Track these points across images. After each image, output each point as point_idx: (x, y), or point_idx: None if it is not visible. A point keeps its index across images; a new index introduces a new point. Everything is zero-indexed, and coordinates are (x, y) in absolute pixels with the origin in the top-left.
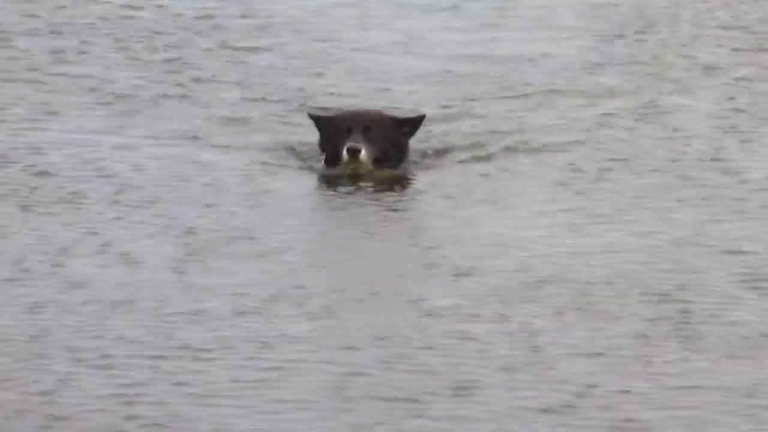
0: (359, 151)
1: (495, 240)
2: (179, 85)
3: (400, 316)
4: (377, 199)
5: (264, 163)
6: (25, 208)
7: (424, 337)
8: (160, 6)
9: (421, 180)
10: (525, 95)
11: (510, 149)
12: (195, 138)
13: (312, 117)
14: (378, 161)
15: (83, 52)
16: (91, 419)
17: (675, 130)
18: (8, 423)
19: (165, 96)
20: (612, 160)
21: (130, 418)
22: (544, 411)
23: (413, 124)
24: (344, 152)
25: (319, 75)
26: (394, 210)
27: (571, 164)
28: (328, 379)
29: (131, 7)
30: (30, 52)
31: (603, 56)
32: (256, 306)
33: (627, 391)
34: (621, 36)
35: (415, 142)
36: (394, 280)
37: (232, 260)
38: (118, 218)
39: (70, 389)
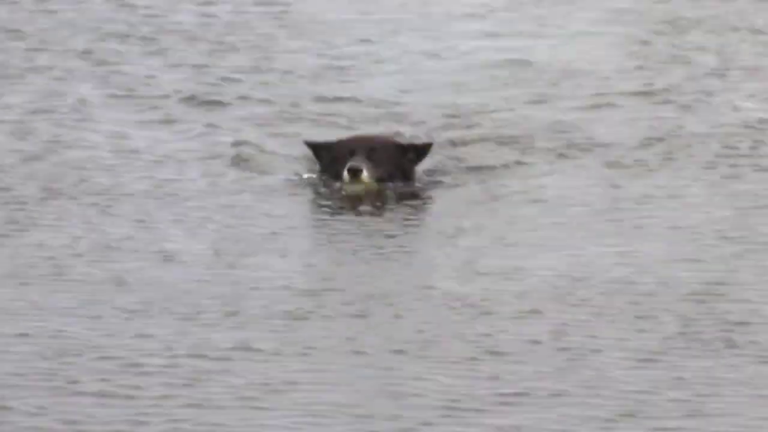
0: (360, 170)
1: (537, 239)
2: (213, 85)
3: (442, 317)
4: (413, 198)
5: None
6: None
7: (468, 341)
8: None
9: (457, 181)
10: (563, 98)
11: (550, 150)
12: (230, 137)
13: (309, 144)
14: (382, 184)
15: (121, 52)
16: (116, 418)
17: (717, 127)
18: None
19: (202, 97)
20: (654, 157)
21: (162, 416)
22: (604, 420)
23: (419, 151)
24: (345, 172)
25: (351, 80)
26: (430, 210)
27: (613, 162)
28: (370, 382)
29: (169, 10)
30: (69, 51)
31: (638, 59)
32: (294, 306)
33: (678, 399)
34: (653, 40)
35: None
36: (435, 280)
37: (267, 259)
38: (153, 213)
39: (96, 388)
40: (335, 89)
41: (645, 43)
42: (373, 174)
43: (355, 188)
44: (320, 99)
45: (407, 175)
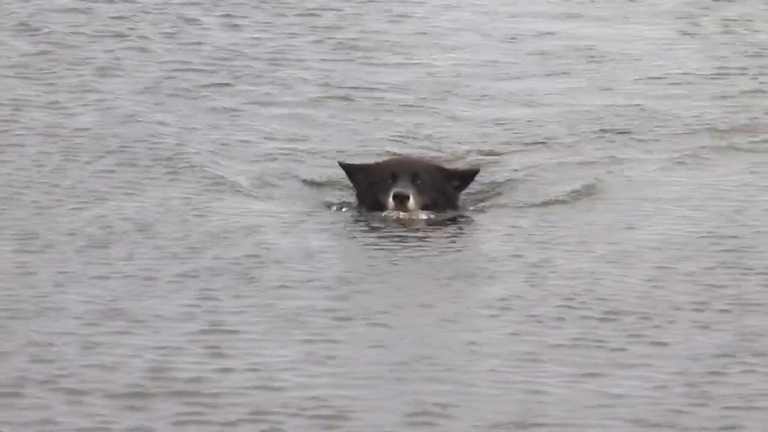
0: (407, 197)
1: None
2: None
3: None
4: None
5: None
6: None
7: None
8: None
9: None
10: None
11: (619, 132)
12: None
13: (344, 166)
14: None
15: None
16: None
17: None
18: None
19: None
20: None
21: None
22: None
23: (464, 177)
24: (390, 199)
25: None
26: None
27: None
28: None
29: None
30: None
31: (690, 37)
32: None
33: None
34: (699, 14)
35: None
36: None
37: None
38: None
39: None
40: (386, 71)
41: (692, 17)
42: (419, 201)
43: (401, 216)
44: (372, 81)
45: (451, 203)
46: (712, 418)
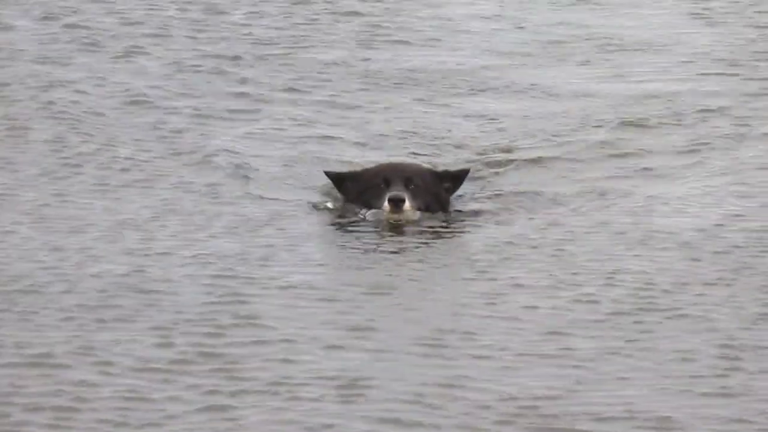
0: (403, 200)
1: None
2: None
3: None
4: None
5: None
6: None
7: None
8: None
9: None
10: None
11: (636, 123)
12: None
13: (330, 176)
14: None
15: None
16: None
17: None
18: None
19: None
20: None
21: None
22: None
23: (455, 179)
24: (386, 203)
25: (431, 42)
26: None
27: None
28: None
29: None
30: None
31: (696, 22)
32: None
33: None
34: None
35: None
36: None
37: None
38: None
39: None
40: (409, 58)
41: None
42: (413, 205)
43: (397, 221)
44: (394, 68)
45: (443, 206)
46: (745, 379)
